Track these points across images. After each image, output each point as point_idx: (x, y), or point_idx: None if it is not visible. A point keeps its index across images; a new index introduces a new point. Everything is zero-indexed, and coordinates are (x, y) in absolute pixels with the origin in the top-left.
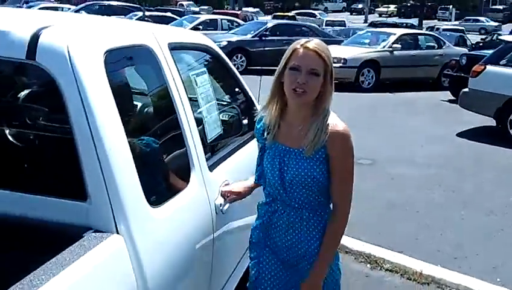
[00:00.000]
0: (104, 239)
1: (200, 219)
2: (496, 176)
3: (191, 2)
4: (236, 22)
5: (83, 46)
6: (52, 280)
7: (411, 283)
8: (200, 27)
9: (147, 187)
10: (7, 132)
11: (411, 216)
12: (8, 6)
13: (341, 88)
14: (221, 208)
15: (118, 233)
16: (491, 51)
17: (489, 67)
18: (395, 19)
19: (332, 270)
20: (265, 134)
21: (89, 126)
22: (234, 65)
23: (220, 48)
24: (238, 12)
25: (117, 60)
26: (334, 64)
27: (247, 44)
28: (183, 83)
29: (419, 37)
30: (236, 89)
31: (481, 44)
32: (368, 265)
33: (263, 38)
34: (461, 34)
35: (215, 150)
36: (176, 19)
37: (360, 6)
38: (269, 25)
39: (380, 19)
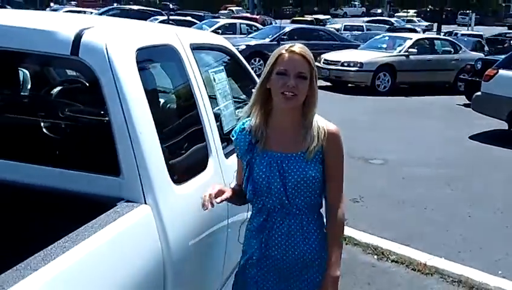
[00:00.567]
0: (135, 207)
1: None
2: (505, 177)
3: (240, 8)
4: (255, 26)
5: (118, 44)
6: (93, 236)
7: (415, 273)
8: (219, 31)
9: (171, 167)
10: (53, 117)
11: (419, 213)
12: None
13: (357, 91)
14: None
15: (146, 203)
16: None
17: (501, 72)
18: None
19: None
20: (252, 144)
21: (123, 113)
22: (252, 68)
23: (239, 51)
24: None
25: (146, 56)
26: (350, 68)
27: (265, 48)
28: (203, 79)
29: (435, 41)
30: (251, 87)
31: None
32: (375, 256)
33: (281, 42)
34: (479, 39)
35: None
36: (196, 23)
37: (379, 11)
38: (287, 29)
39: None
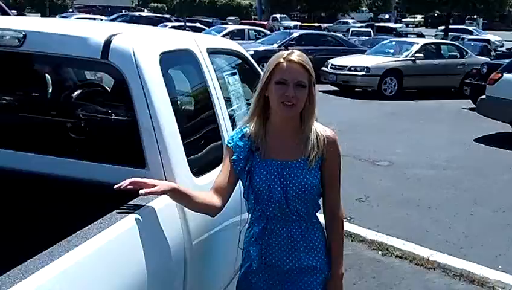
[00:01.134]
0: (159, 196)
1: None
2: (508, 178)
3: (284, 16)
4: (263, 32)
5: (144, 49)
6: (125, 218)
7: (418, 268)
8: (228, 37)
9: (190, 161)
10: (85, 115)
11: (423, 211)
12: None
13: (364, 96)
14: None
15: None
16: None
17: (506, 75)
18: (422, 29)
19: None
20: (253, 152)
21: (148, 111)
22: None
23: None
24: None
25: (168, 60)
26: (357, 73)
27: (273, 53)
28: (218, 81)
29: (441, 46)
30: None
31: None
32: (380, 252)
33: (289, 48)
34: (485, 44)
35: None
36: (205, 29)
37: (386, 16)
38: (295, 34)
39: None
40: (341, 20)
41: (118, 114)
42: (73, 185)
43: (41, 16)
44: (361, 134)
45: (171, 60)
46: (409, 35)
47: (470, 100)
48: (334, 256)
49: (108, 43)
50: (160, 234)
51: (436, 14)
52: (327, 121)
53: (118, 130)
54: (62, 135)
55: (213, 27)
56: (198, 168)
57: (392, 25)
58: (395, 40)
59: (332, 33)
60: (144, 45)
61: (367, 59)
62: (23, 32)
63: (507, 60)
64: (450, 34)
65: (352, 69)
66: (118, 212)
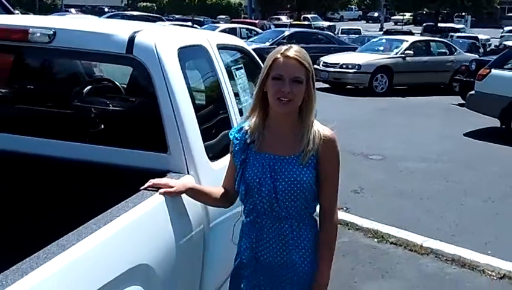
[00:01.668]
0: (181, 177)
1: None
2: (497, 170)
3: (316, 15)
4: (255, 30)
5: (164, 44)
6: (154, 196)
7: (412, 254)
8: None
9: (206, 147)
10: (112, 105)
11: (415, 202)
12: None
13: (355, 93)
14: None
15: (188, 174)
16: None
17: (494, 71)
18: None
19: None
20: (247, 145)
21: (170, 100)
22: None
23: None
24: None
25: (185, 54)
26: (349, 70)
27: (266, 52)
28: (227, 73)
29: (431, 43)
30: None
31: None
32: (375, 239)
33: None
34: (473, 41)
35: None
36: (197, 28)
37: (375, 14)
38: (286, 33)
39: (395, 27)
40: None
41: (143, 104)
42: (106, 169)
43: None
44: (354, 129)
45: (187, 55)
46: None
47: (459, 96)
48: (322, 262)
49: (132, 39)
50: (184, 210)
51: (424, 12)
52: (320, 118)
53: (143, 119)
54: (91, 124)
55: (205, 26)
56: (213, 154)
57: (455, 25)
58: (385, 37)
59: (323, 31)
60: (164, 40)
61: (358, 56)
62: (53, 30)
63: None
64: (427, 32)
65: (344, 66)
66: (149, 191)
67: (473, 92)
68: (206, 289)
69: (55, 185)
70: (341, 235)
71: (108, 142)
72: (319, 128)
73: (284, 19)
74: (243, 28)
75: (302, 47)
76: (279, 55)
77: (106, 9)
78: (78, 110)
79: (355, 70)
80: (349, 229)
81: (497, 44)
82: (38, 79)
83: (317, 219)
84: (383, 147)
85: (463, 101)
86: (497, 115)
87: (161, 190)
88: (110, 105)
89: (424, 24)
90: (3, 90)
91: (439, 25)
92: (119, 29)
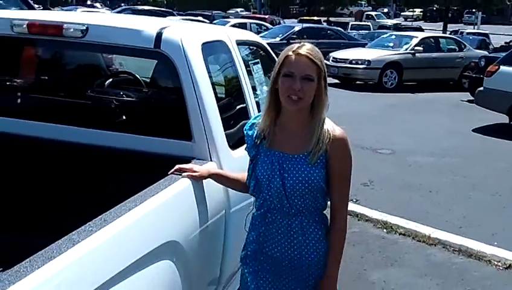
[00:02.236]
0: (205, 163)
1: None
2: (505, 165)
3: (379, 13)
4: (265, 25)
5: (189, 39)
6: (182, 179)
7: (420, 244)
8: None
9: (227, 136)
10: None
11: (424, 195)
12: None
13: (365, 88)
14: None
15: (211, 161)
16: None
17: (502, 68)
18: (421, 23)
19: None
20: (258, 141)
21: (195, 92)
22: None
23: None
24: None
25: (208, 49)
26: (358, 66)
27: (276, 47)
28: (245, 67)
29: (440, 40)
30: None
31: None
32: (384, 230)
33: (290, 41)
34: (484, 37)
35: None
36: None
37: (385, 10)
38: (296, 28)
39: (405, 23)
40: None
41: (169, 95)
42: (137, 156)
43: (43, 8)
44: (363, 124)
45: (210, 49)
46: None
47: (468, 93)
48: (332, 259)
49: (160, 34)
50: (208, 195)
51: (435, 8)
52: (330, 113)
53: (169, 109)
54: (122, 115)
55: (215, 21)
56: (233, 142)
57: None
58: (395, 33)
59: (333, 27)
60: (189, 36)
61: (368, 52)
62: (86, 25)
63: (504, 53)
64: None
65: (354, 62)
66: (176, 175)
67: (481, 88)
68: (225, 271)
69: (93, 170)
70: (351, 226)
71: (138, 131)
72: (330, 127)
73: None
74: (253, 23)
75: (313, 43)
76: (291, 53)
77: (97, 5)
78: (108, 101)
79: (365, 66)
80: (359, 220)
81: (509, 41)
82: (71, 71)
83: (327, 215)
84: (392, 141)
85: (472, 98)
86: (505, 111)
87: (185, 173)
88: (139, 97)
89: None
90: (43, 82)
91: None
92: (147, 25)
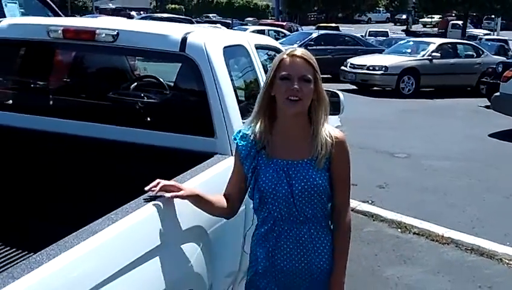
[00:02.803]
0: (226, 158)
1: None
2: None
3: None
4: (282, 32)
5: (212, 44)
6: (207, 170)
7: (434, 243)
8: None
9: None
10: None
11: (439, 197)
12: None
13: (382, 94)
14: None
15: (232, 156)
16: None
17: None
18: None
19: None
20: (255, 152)
21: (217, 92)
22: None
23: None
24: (284, 23)
25: (229, 53)
26: (376, 72)
27: None
28: (264, 70)
29: (458, 46)
30: None
31: None
32: (399, 230)
33: (308, 48)
34: (502, 43)
35: None
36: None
37: (403, 16)
38: (314, 35)
39: (424, 29)
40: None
41: (194, 95)
42: (164, 152)
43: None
44: (380, 129)
45: (231, 53)
46: None
47: (486, 98)
48: (337, 262)
49: (185, 39)
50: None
51: (453, 14)
52: (348, 117)
53: (193, 109)
54: (150, 113)
55: (234, 28)
56: None
57: None
58: (412, 39)
59: (350, 33)
60: (212, 40)
61: (385, 58)
62: (117, 31)
63: None
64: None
65: (371, 68)
66: (203, 166)
67: (498, 93)
68: (243, 264)
69: (126, 164)
70: (366, 226)
71: (165, 129)
72: (330, 130)
73: None
74: (271, 30)
75: (330, 49)
76: (285, 56)
77: (133, 13)
78: (137, 102)
79: (382, 72)
80: (374, 220)
81: None
82: (102, 73)
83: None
84: (408, 145)
85: (489, 103)
86: None
87: (167, 194)
88: (165, 98)
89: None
90: (77, 83)
91: None
92: (173, 30)
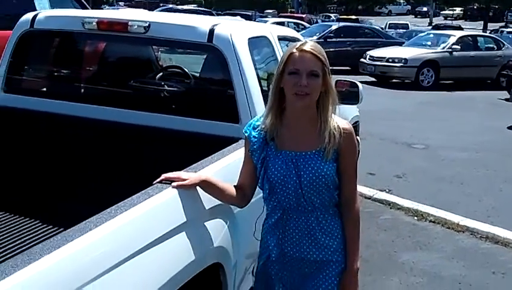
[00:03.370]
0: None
1: None
2: None
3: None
4: (302, 24)
5: (238, 35)
6: (233, 153)
7: (449, 231)
8: None
9: None
10: (194, 86)
11: (455, 187)
12: None
13: (401, 86)
14: None
15: None
16: None
17: None
18: (460, 22)
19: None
20: (265, 143)
21: (242, 81)
22: None
23: None
24: (303, 15)
25: (253, 43)
26: (395, 64)
27: None
28: None
29: (478, 38)
30: None
31: None
32: (415, 217)
33: (328, 40)
34: None
35: None
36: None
37: (424, 9)
38: (333, 27)
39: (445, 21)
40: None
41: (220, 84)
42: (192, 136)
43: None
44: (398, 121)
45: (255, 44)
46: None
47: (506, 91)
48: (350, 250)
49: (212, 30)
50: None
51: (475, 7)
52: (368, 109)
53: (220, 96)
54: (177, 100)
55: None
56: None
57: None
58: (433, 32)
59: (370, 26)
60: (238, 32)
61: (404, 51)
62: (148, 23)
63: None
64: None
65: (390, 60)
66: (230, 149)
67: None
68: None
69: (156, 148)
70: (383, 213)
71: (193, 115)
72: (338, 121)
73: None
74: (290, 22)
75: (350, 41)
76: (294, 50)
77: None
78: (166, 90)
79: (402, 64)
80: (391, 208)
81: None
82: (131, 63)
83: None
84: (426, 137)
85: (509, 96)
86: None
87: (174, 183)
88: (193, 86)
89: None
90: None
91: None
92: (200, 22)
